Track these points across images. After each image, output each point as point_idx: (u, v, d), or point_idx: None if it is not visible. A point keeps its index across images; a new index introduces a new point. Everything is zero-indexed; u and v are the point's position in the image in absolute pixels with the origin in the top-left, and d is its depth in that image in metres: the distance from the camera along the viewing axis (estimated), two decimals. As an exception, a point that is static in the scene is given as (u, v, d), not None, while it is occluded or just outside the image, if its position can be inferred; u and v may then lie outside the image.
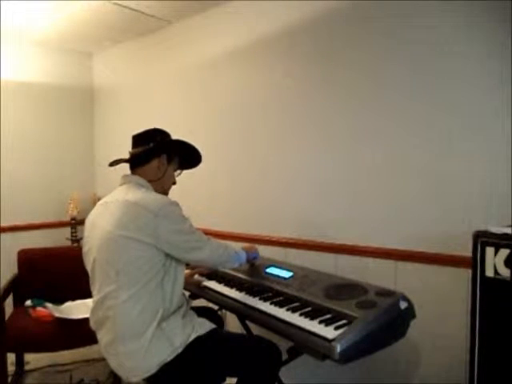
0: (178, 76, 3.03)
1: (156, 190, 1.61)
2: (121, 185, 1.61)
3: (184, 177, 1.77)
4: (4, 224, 3.20)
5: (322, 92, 2.20)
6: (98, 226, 1.52)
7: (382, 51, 1.96)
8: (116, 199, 1.52)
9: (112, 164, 1.69)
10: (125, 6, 2.68)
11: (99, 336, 1.53)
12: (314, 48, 2.23)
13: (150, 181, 1.61)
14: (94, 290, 1.53)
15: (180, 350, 1.44)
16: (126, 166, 1.67)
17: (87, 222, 1.63)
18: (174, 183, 1.73)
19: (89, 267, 1.56)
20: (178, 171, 1.75)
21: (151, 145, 1.61)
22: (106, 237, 1.46)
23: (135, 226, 1.42)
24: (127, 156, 1.67)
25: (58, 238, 3.42)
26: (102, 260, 1.48)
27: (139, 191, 1.53)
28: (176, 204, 1.51)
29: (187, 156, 1.74)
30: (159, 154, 1.63)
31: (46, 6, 2.67)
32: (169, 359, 1.42)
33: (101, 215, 1.54)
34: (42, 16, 2.85)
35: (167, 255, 1.47)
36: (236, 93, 2.64)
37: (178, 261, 1.53)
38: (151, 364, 1.41)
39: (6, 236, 3.21)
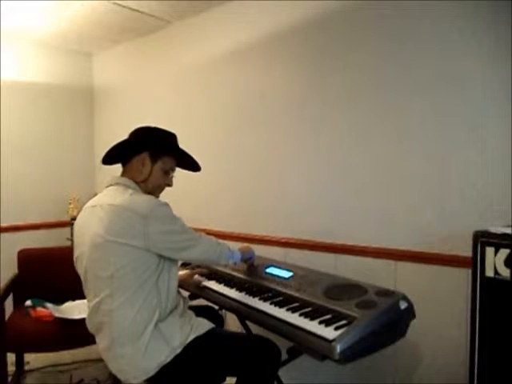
0: (177, 76, 3.03)
1: (144, 191, 1.56)
2: (107, 186, 1.57)
3: (183, 177, 1.75)
4: (4, 224, 3.20)
5: (323, 92, 2.19)
6: (87, 230, 1.48)
7: (381, 52, 1.96)
8: (103, 203, 1.48)
9: (105, 161, 1.65)
10: (125, 6, 2.68)
11: (97, 340, 1.52)
12: (314, 48, 2.23)
13: (137, 182, 1.56)
14: (89, 295, 1.52)
15: (179, 351, 1.43)
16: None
17: (75, 226, 1.60)
18: (169, 185, 1.65)
19: (81, 272, 1.55)
20: (171, 173, 1.65)
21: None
22: (96, 242, 1.43)
23: (125, 231, 1.40)
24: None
25: (58, 238, 3.42)
26: (93, 266, 1.45)
27: (126, 193, 1.48)
28: (165, 204, 1.48)
29: (180, 159, 1.66)
30: (139, 152, 1.56)
31: (46, 5, 2.67)
32: (168, 360, 1.41)
33: (88, 220, 1.51)
34: (42, 16, 2.85)
35: (160, 256, 1.46)
36: (236, 93, 2.64)
37: (171, 260, 1.52)
38: (150, 366, 1.40)
39: (5, 236, 3.20)
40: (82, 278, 1.56)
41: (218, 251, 1.63)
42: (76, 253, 1.56)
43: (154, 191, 1.61)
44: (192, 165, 1.71)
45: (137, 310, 1.40)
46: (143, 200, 1.46)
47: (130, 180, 1.56)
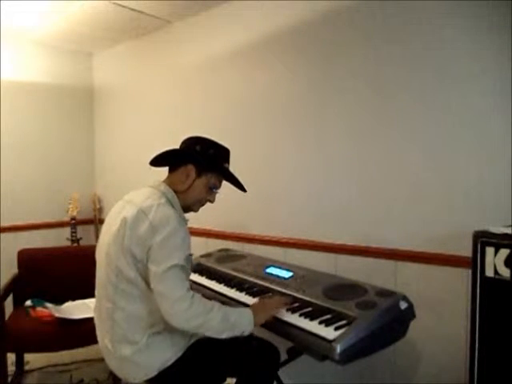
0: (177, 76, 3.03)
1: (183, 203, 1.52)
2: (150, 186, 1.53)
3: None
4: (4, 224, 3.20)
5: (323, 92, 2.19)
6: (112, 225, 1.46)
7: (382, 53, 1.96)
8: (135, 202, 1.44)
9: (153, 163, 1.59)
10: (125, 6, 2.68)
11: (99, 337, 1.52)
12: (314, 48, 2.23)
13: (177, 191, 1.51)
14: (100, 289, 1.51)
15: (180, 354, 1.43)
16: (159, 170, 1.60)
17: (108, 216, 1.56)
18: (211, 201, 1.59)
19: (97, 266, 1.54)
20: (215, 190, 1.58)
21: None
22: (111, 242, 1.42)
23: (138, 241, 1.36)
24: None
25: (58, 238, 3.42)
26: (105, 263, 1.45)
27: (157, 201, 1.42)
28: (182, 233, 1.38)
29: (225, 177, 1.60)
30: (185, 163, 1.52)
31: (46, 5, 2.67)
32: (169, 364, 1.41)
33: (117, 214, 1.48)
34: (42, 16, 2.85)
35: None
36: (236, 93, 2.64)
37: None
38: (151, 367, 1.41)
39: (5, 236, 3.20)
40: (96, 265, 1.54)
41: (203, 320, 1.36)
42: (98, 244, 1.55)
43: (194, 204, 1.57)
44: (232, 184, 1.64)
45: (140, 312, 1.40)
46: (164, 216, 1.39)
47: (169, 188, 1.51)
